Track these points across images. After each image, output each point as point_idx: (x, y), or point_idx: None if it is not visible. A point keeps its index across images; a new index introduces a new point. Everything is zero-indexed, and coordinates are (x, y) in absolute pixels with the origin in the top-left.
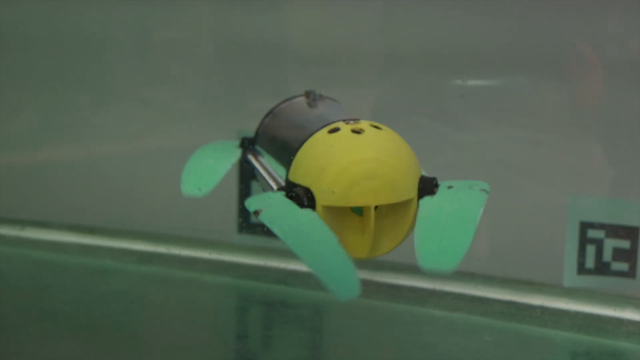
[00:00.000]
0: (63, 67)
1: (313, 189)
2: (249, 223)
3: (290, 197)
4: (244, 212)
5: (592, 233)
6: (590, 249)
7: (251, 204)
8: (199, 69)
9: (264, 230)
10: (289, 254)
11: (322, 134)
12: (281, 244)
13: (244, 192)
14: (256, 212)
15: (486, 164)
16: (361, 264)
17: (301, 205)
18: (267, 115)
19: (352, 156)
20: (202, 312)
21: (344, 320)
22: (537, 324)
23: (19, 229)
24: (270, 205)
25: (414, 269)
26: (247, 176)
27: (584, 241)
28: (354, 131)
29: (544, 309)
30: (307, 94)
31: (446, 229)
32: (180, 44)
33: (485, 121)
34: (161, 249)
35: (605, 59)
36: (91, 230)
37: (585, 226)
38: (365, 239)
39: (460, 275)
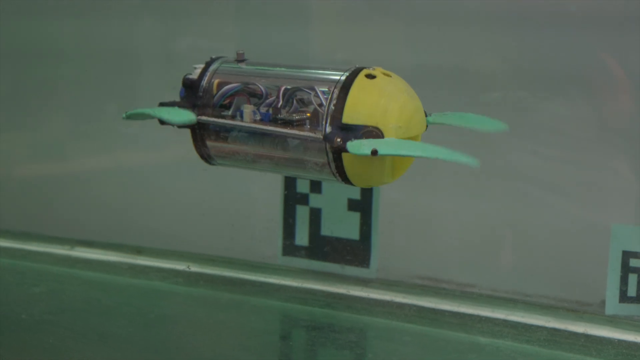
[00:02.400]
0: (91, 77)
1: (381, 126)
2: (293, 245)
3: (370, 135)
4: (288, 235)
5: (634, 262)
6: (633, 278)
7: (356, 148)
8: None
9: (308, 253)
10: (334, 278)
11: (363, 80)
12: (326, 267)
13: (288, 215)
14: (373, 151)
15: (516, 182)
16: (403, 289)
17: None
18: (203, 77)
19: (402, 96)
20: (252, 335)
21: (390, 346)
22: (581, 352)
23: (68, 248)
24: (377, 144)
25: (456, 294)
26: (291, 200)
27: (626, 270)
28: (385, 74)
29: (587, 337)
30: (238, 54)
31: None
32: (204, 54)
33: (512, 138)
34: (207, 270)
35: (634, 76)
36: (139, 251)
37: (627, 255)
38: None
39: (502, 301)
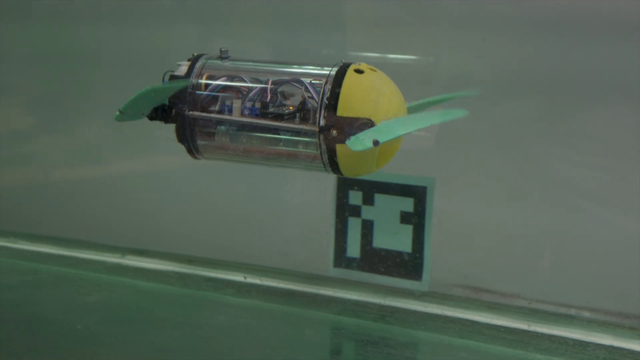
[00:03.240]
0: (127, 81)
1: (373, 118)
2: (345, 257)
3: (364, 127)
4: (339, 247)
5: None
6: None
7: (357, 144)
8: None
9: (359, 265)
10: (385, 290)
11: (353, 75)
12: (377, 279)
13: (340, 227)
14: (375, 142)
15: (558, 191)
16: (456, 303)
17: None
18: (190, 73)
19: (389, 89)
20: (306, 349)
21: None
22: None
23: (120, 256)
24: (374, 134)
25: (511, 309)
26: (343, 212)
27: None
28: (371, 69)
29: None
30: (221, 51)
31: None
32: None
33: (555, 147)
34: (259, 281)
35: None
36: (190, 260)
37: None
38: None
39: (558, 317)
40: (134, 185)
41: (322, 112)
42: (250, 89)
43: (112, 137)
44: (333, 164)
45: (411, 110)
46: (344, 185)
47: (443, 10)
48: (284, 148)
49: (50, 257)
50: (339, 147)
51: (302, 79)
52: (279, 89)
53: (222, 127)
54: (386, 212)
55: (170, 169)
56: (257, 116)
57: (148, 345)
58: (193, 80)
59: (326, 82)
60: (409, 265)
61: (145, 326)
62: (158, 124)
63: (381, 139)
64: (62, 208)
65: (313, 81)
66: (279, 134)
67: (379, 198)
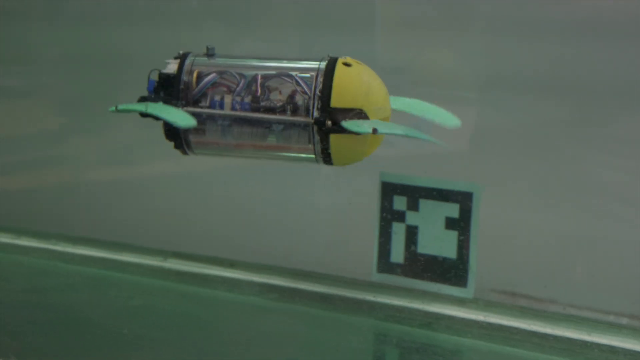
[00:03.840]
0: None
1: (365, 109)
2: (388, 263)
3: (357, 117)
4: (383, 252)
5: None
6: None
7: (357, 126)
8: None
9: (403, 271)
10: (430, 296)
11: (342, 68)
12: (421, 285)
13: (384, 232)
14: (374, 130)
15: (598, 196)
16: (502, 310)
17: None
18: (181, 71)
19: (376, 81)
20: (355, 355)
21: None
22: None
23: (161, 259)
24: (373, 124)
25: (558, 317)
26: (388, 217)
27: None
28: (357, 63)
29: None
30: (207, 48)
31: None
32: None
33: (593, 151)
34: (301, 285)
35: None
36: (231, 264)
37: None
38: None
39: (607, 326)
40: (168, 187)
41: (316, 103)
42: (239, 84)
43: (145, 138)
44: (325, 154)
45: (393, 103)
46: (389, 190)
47: (477, 12)
48: (275, 140)
49: (92, 259)
50: (332, 138)
51: (292, 72)
52: (267, 83)
53: (218, 122)
54: (431, 217)
55: (204, 170)
56: (248, 110)
57: (196, 351)
58: (185, 77)
59: (317, 75)
60: (454, 271)
61: (190, 331)
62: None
63: (380, 130)
64: (99, 210)
65: (301, 74)
66: (270, 127)
67: (423, 203)
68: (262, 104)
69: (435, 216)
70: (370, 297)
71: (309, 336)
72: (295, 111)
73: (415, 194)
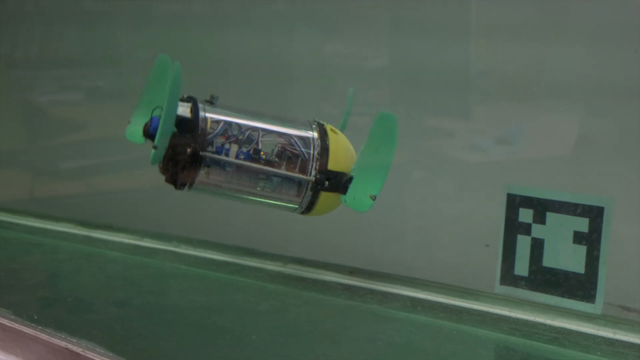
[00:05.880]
0: (252, 87)
1: (350, 172)
2: (512, 275)
3: (348, 182)
4: (507, 264)
5: None
6: None
7: (360, 205)
8: (372, 84)
9: (527, 284)
10: (555, 311)
11: (333, 134)
12: (546, 299)
13: (508, 244)
14: (374, 197)
15: None
16: (632, 328)
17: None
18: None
19: (351, 146)
20: None
21: None
22: None
23: (281, 265)
24: (365, 189)
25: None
26: (512, 229)
27: None
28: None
29: None
30: (211, 97)
31: None
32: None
33: None
34: (422, 295)
35: None
36: (351, 272)
37: None
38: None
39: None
40: None
41: (315, 164)
42: (243, 135)
43: None
44: (309, 207)
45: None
46: (514, 202)
47: (584, 18)
48: (270, 190)
49: (214, 262)
50: (322, 195)
51: (288, 132)
52: (266, 137)
53: (222, 168)
54: (558, 231)
55: None
56: (252, 160)
57: (322, 358)
58: (201, 122)
59: (313, 138)
60: (582, 286)
61: (317, 338)
62: None
63: (376, 192)
64: (217, 213)
65: (297, 134)
66: (269, 178)
67: (550, 217)
68: (263, 156)
69: (563, 230)
70: (493, 309)
71: (439, 348)
72: (291, 167)
73: (542, 207)
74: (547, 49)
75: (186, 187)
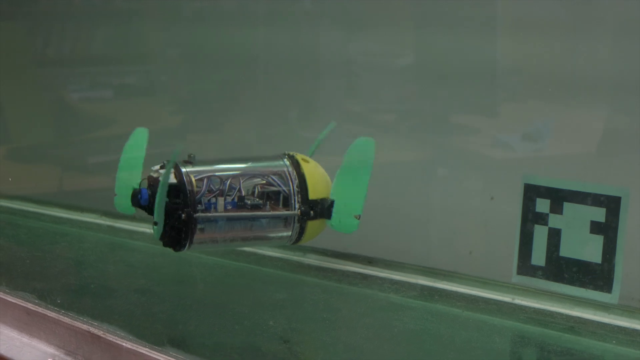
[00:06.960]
0: (278, 84)
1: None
2: (529, 265)
3: (331, 206)
4: (524, 254)
5: None
6: None
7: (346, 227)
8: (397, 83)
9: (544, 274)
10: (573, 301)
11: (306, 164)
12: (563, 289)
13: (525, 234)
14: (358, 217)
15: None
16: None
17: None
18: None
19: (323, 170)
20: (502, 356)
21: None
22: None
23: (301, 255)
24: (347, 210)
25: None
26: (529, 219)
27: None
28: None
29: None
30: (189, 156)
31: None
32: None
33: None
34: (440, 285)
35: None
36: (369, 261)
37: None
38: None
39: None
40: None
41: (297, 197)
42: (225, 186)
43: (263, 135)
44: (299, 237)
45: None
46: (531, 192)
47: (612, 12)
48: (264, 231)
49: (233, 252)
50: (309, 224)
51: (264, 172)
52: (245, 183)
53: (215, 222)
54: (575, 221)
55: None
56: (239, 208)
57: (340, 344)
58: (188, 185)
59: (288, 172)
60: (598, 276)
61: (333, 324)
62: (304, 127)
63: (359, 211)
64: None
65: (273, 172)
66: (258, 221)
67: (567, 207)
68: (247, 202)
69: (580, 220)
70: (509, 298)
71: (455, 335)
72: (275, 205)
73: (560, 197)
74: (573, 44)
75: (185, 248)
